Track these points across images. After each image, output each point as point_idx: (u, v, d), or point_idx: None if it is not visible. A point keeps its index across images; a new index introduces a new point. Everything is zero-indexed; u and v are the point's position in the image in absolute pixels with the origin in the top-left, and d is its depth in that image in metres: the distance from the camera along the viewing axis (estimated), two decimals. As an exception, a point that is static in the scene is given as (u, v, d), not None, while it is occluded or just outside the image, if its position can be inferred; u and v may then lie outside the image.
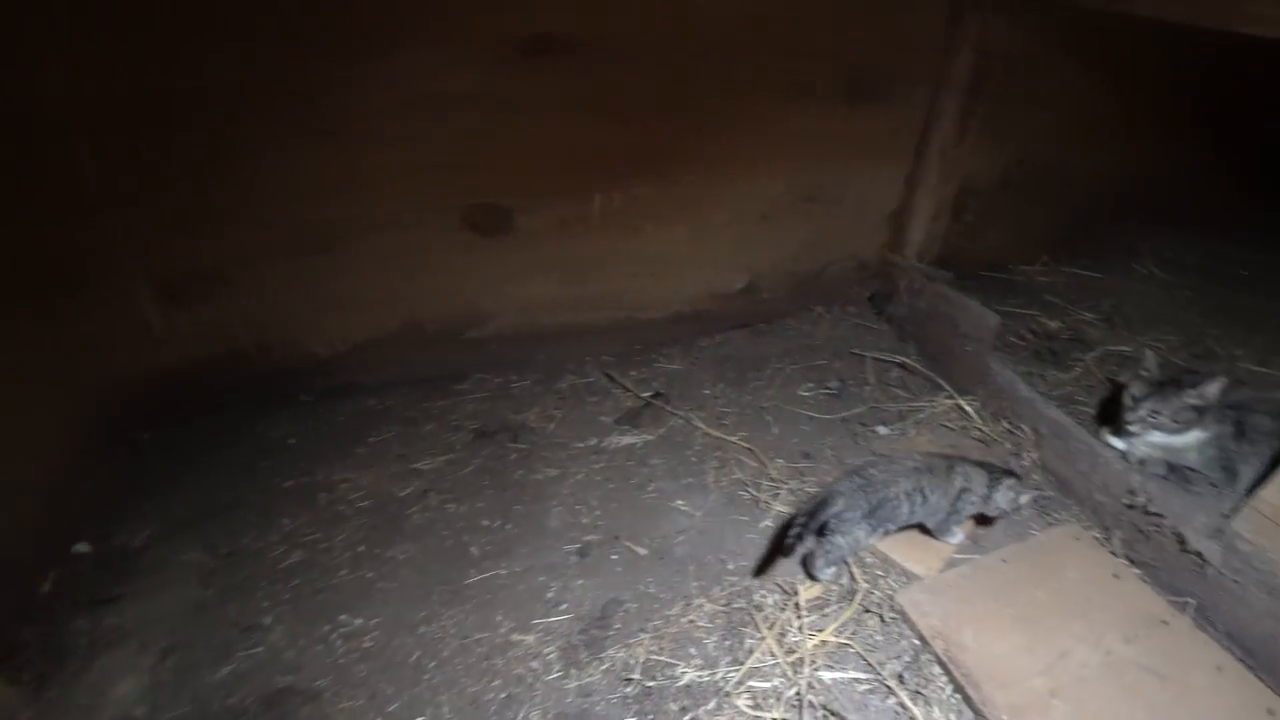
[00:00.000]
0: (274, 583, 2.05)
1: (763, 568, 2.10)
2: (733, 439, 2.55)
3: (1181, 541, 1.96)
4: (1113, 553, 2.14)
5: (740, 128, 2.62)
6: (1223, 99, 3.24)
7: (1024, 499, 2.06)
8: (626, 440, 2.57)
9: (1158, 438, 2.11)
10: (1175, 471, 2.09)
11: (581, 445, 2.55)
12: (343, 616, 1.96)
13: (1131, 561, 2.12)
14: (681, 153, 2.61)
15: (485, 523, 2.26)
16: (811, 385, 2.83)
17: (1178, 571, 2.01)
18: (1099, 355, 2.71)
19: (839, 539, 1.96)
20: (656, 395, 2.75)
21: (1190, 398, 2.04)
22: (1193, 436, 2.08)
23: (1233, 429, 2.09)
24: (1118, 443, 2.25)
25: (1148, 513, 2.05)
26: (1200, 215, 3.46)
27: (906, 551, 2.13)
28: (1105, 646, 1.87)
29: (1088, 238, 3.34)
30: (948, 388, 2.70)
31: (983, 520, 2.18)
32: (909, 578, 2.08)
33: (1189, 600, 1.99)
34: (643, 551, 2.17)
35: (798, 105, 2.64)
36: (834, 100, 2.68)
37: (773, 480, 2.40)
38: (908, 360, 2.87)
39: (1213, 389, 2.03)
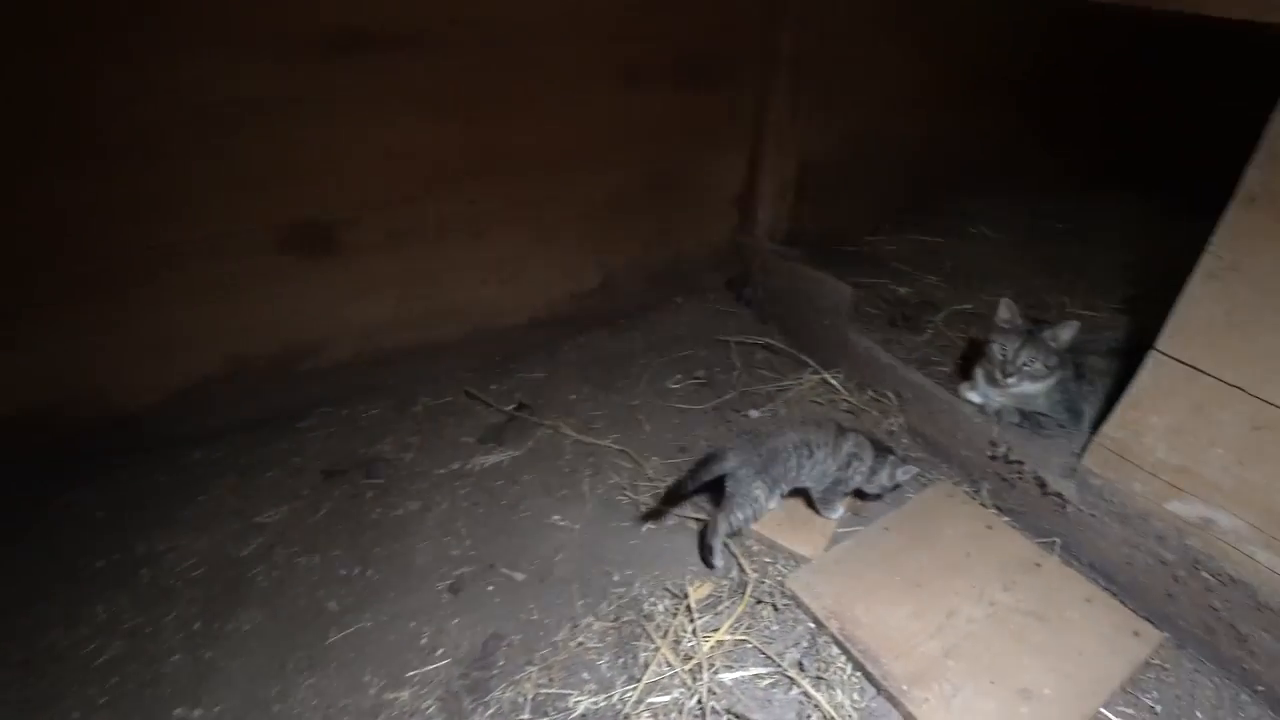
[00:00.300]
0: (88, 685, 1.73)
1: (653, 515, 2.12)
2: (605, 443, 2.44)
3: (1042, 485, 2.03)
4: (983, 504, 2.19)
5: (574, 119, 2.51)
6: (1046, 68, 3.47)
7: (905, 476, 2.08)
8: (493, 459, 2.40)
9: (1019, 387, 2.17)
10: (1028, 418, 2.17)
11: (444, 471, 2.35)
12: (178, 710, 1.68)
13: (1000, 510, 2.19)
14: (516, 149, 2.46)
15: (343, 572, 2.03)
16: (679, 377, 2.76)
17: (1042, 514, 2.09)
18: (946, 316, 2.81)
19: (736, 508, 1.93)
20: (520, 407, 2.59)
21: (1050, 342, 2.12)
22: (1041, 384, 2.15)
23: (1073, 371, 2.20)
24: (974, 397, 2.31)
25: (1009, 461, 2.12)
26: (1023, 176, 3.69)
27: (791, 534, 2.08)
28: (988, 598, 1.90)
29: (925, 204, 3.48)
30: (812, 363, 2.71)
31: (862, 496, 2.18)
32: (797, 560, 2.04)
33: (1055, 539, 2.07)
34: (521, 577, 2.01)
35: (630, 92, 2.56)
36: (666, 85, 2.62)
37: (650, 480, 2.30)
38: (771, 341, 2.86)
39: (1066, 334, 2.11)
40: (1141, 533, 1.86)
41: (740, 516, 1.95)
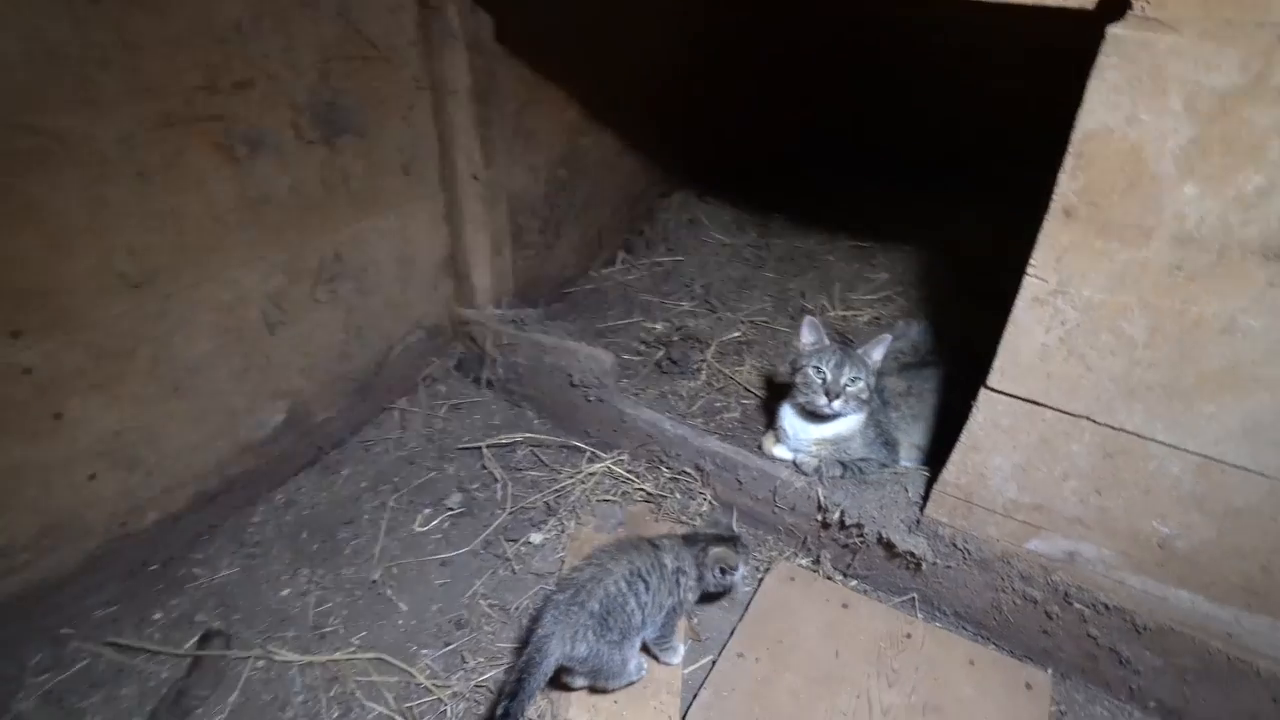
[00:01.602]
0: None
1: None
2: (348, 655, 1.72)
3: (889, 546, 1.77)
4: (829, 578, 1.90)
5: (170, 214, 1.66)
6: (742, 60, 3.26)
7: (740, 571, 1.68)
8: (182, 745, 1.57)
9: (828, 431, 1.87)
10: (848, 469, 1.89)
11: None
12: None
13: (847, 576, 1.91)
14: (85, 277, 1.58)
15: None
16: (428, 511, 2.10)
17: (895, 573, 1.84)
18: (716, 350, 2.47)
19: (602, 672, 1.53)
20: (207, 637, 1.75)
21: (865, 360, 1.82)
22: (856, 420, 1.87)
23: (877, 400, 1.96)
24: (781, 452, 1.99)
25: (845, 526, 1.83)
26: (734, 170, 3.49)
27: (634, 713, 1.59)
28: (880, 707, 1.60)
29: (652, 221, 3.12)
30: (587, 448, 2.22)
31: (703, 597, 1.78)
32: (655, 748, 1.56)
33: (912, 594, 1.84)
34: None
35: (251, 159, 1.78)
36: (303, 143, 1.87)
37: (430, 690, 1.66)
38: (530, 434, 2.30)
39: (878, 352, 1.82)
40: (1005, 576, 1.67)
41: (615, 680, 1.56)
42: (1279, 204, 1.15)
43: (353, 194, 2.03)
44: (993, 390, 1.51)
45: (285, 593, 1.89)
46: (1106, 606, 1.57)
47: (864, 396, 1.81)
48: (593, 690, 1.59)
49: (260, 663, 1.72)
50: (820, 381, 1.80)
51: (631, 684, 1.60)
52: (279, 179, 1.84)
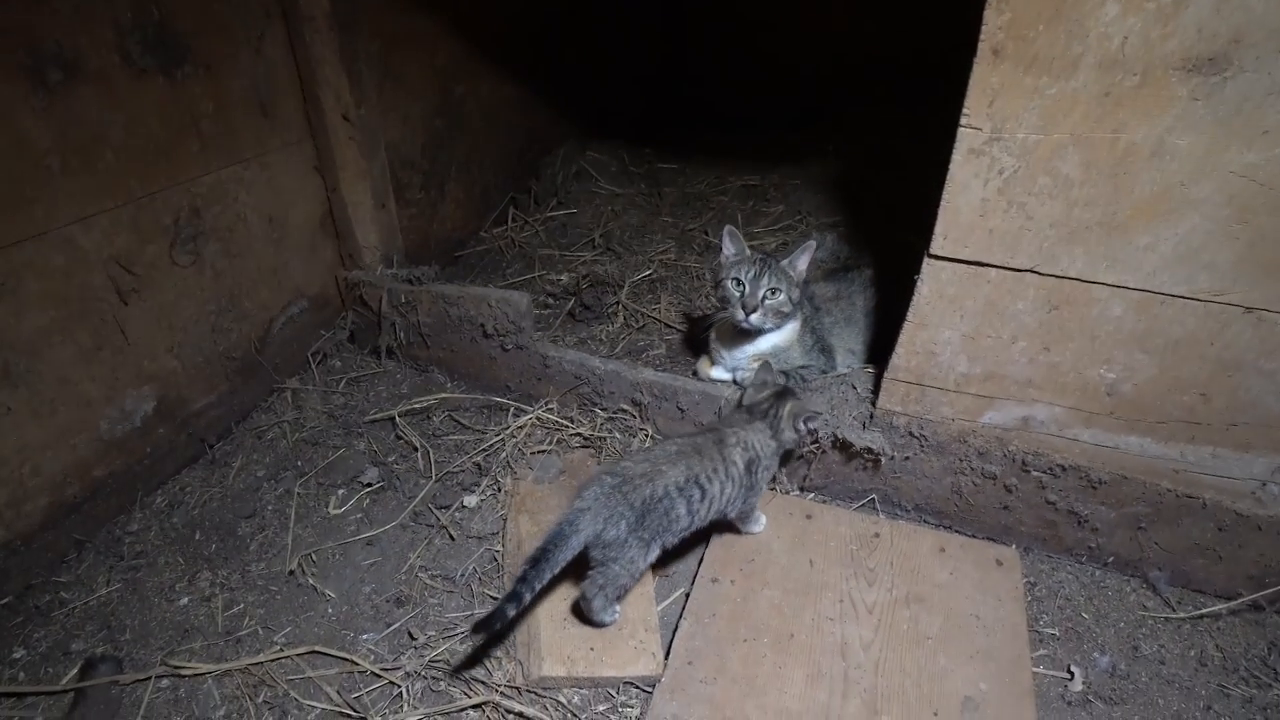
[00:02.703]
0: None
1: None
2: (274, 655, 1.49)
3: (846, 446, 1.71)
4: (787, 492, 1.82)
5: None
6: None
7: (813, 424, 1.61)
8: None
9: (764, 345, 1.80)
10: (791, 378, 1.82)
11: None
12: None
13: (805, 490, 1.84)
14: None
15: None
16: (342, 492, 1.87)
17: (852, 475, 1.79)
18: (629, 290, 2.35)
19: (615, 567, 1.39)
20: (92, 664, 1.47)
21: (789, 271, 1.75)
22: (791, 329, 1.82)
23: (809, 307, 1.91)
24: (719, 373, 1.91)
25: (798, 433, 1.76)
26: (610, 125, 3.38)
27: (613, 655, 1.46)
28: (864, 605, 1.55)
29: (538, 176, 2.95)
30: (510, 403, 2.04)
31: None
32: (640, 687, 1.43)
33: (871, 495, 1.79)
34: None
35: (69, 90, 1.47)
36: (135, 72, 1.58)
37: (378, 675, 1.45)
38: (446, 394, 2.10)
39: (803, 260, 1.75)
40: (962, 456, 1.65)
41: (616, 589, 1.43)
42: (1194, 12, 1.15)
43: (205, 138, 1.75)
44: (936, 258, 1.47)
45: (183, 601, 1.62)
46: (1063, 468, 1.58)
47: (785, 310, 1.75)
48: (574, 612, 1.50)
49: (164, 682, 1.46)
50: (739, 294, 1.74)
51: (605, 626, 1.47)
52: (111, 115, 1.55)
